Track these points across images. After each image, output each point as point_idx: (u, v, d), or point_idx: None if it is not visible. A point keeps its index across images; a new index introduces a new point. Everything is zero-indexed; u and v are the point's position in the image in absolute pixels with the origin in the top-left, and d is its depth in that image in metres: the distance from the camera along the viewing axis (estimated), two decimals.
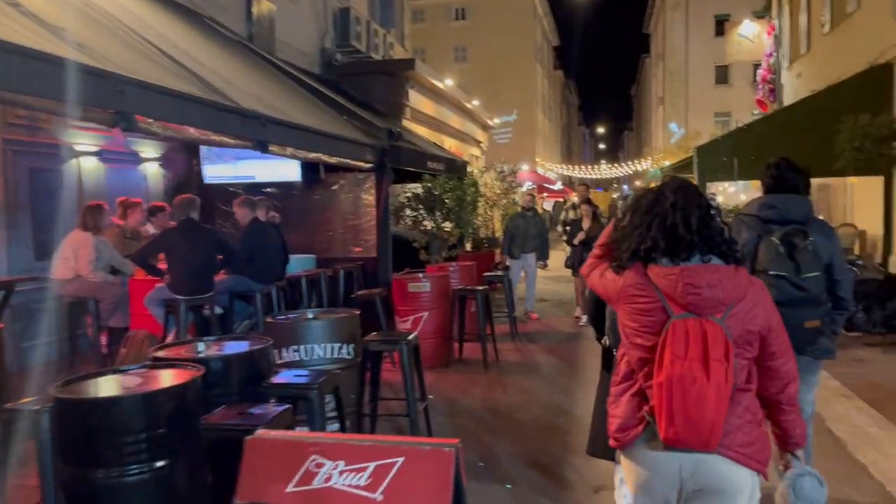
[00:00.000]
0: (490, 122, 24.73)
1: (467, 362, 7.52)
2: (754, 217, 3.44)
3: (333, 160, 7.89)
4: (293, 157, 7.48)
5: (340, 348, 4.50)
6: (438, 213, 9.64)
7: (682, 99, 48.47)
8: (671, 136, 41.89)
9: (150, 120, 4.61)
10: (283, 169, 9.36)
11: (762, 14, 20.52)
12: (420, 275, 7.41)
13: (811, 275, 3.13)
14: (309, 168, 9.81)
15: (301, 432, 2.68)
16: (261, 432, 2.13)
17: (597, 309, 3.15)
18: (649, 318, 2.14)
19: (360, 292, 7.53)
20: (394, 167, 9.31)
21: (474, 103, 20.67)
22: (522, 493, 4.24)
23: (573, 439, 5.13)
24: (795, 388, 2.26)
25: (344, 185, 10.07)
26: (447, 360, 7.26)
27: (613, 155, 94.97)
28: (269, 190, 10.19)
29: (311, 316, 4.69)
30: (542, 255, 10.51)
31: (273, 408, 3.12)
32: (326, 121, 8.55)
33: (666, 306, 2.11)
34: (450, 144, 19.89)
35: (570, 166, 57.43)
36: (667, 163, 25.53)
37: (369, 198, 9.76)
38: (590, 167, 56.59)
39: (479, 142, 24.02)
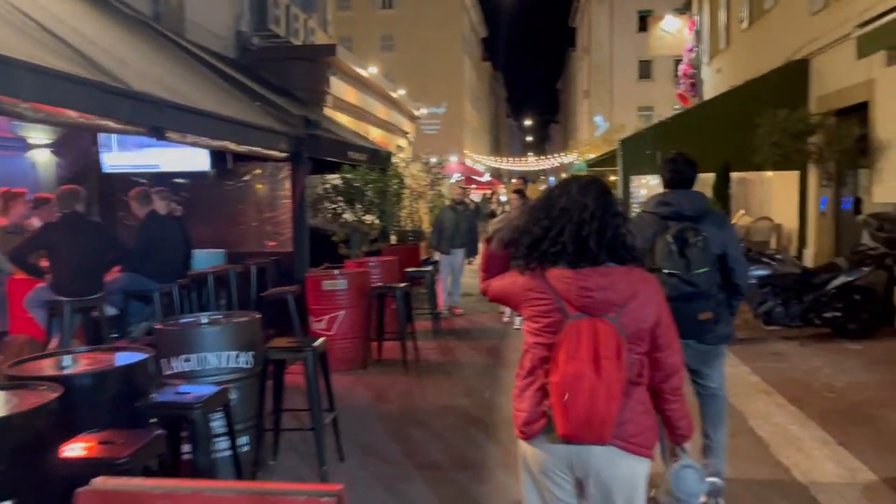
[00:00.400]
0: (417, 113, 24.35)
1: (387, 363, 7.17)
2: (653, 214, 3.57)
3: (243, 149, 7.38)
4: (196, 145, 6.94)
5: (237, 357, 4.07)
6: (359, 206, 9.21)
7: (606, 92, 49.33)
8: (596, 129, 42.52)
9: (17, 100, 4.07)
10: (192, 158, 8.76)
11: (684, 10, 20.85)
12: (336, 271, 6.99)
13: (700, 271, 3.29)
14: (221, 157, 9.24)
15: (149, 480, 2.27)
16: (98, 481, 1.72)
17: None
18: (548, 319, 2.23)
19: (270, 290, 7.07)
20: (311, 157, 8.85)
21: (400, 93, 20.24)
22: None
23: (493, 449, 4.86)
24: (679, 381, 2.36)
25: (258, 176, 9.53)
26: (365, 362, 6.89)
27: (541, 147, 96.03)
28: (180, 180, 9.57)
29: (204, 321, 4.23)
30: (472, 251, 10.20)
31: (144, 433, 2.70)
32: (236, 107, 8.00)
33: (562, 307, 2.20)
34: (375, 134, 19.42)
35: (498, 158, 57.71)
36: (591, 155, 25.76)
37: (285, 189, 9.25)
38: (517, 159, 57.03)
39: (406, 132, 23.61)
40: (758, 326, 8.03)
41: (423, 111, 25.94)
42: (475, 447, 4.89)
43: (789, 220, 11.93)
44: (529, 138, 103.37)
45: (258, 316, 4.32)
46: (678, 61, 23.87)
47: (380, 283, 7.64)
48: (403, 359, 6.88)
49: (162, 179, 9.28)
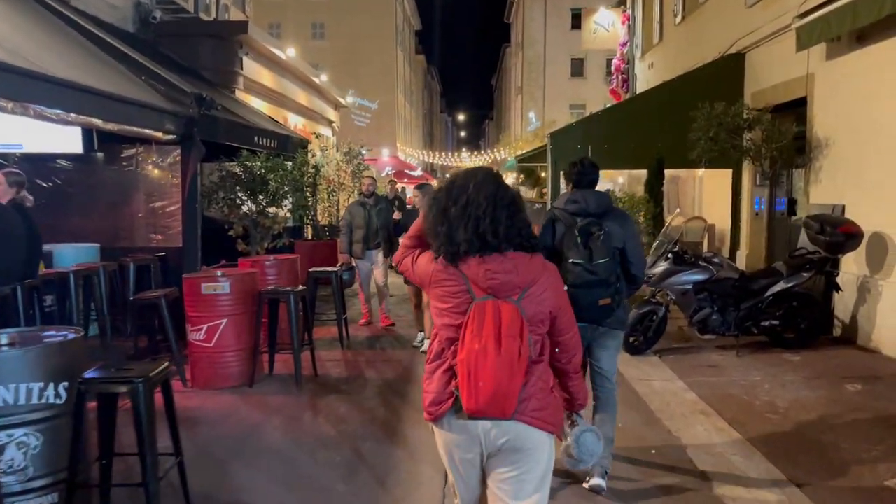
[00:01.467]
0: (343, 101, 23.25)
1: (279, 379, 6.21)
2: (563, 210, 3.88)
3: (112, 126, 6.28)
4: (50, 119, 5.82)
5: (44, 390, 3.08)
6: (262, 197, 8.19)
7: (539, 89, 49.35)
8: (530, 125, 42.25)
9: None
10: (61, 137, 7.56)
11: (618, 4, 20.45)
12: (218, 272, 5.99)
13: (601, 261, 3.64)
14: (100, 139, 8.07)
15: None
16: None
17: None
18: (456, 300, 2.33)
19: (141, 294, 6.02)
20: (206, 140, 7.80)
21: (322, 79, 19.12)
22: None
23: (390, 491, 4.00)
24: (579, 360, 2.57)
25: (144, 161, 8.39)
26: (251, 378, 5.92)
27: (475, 143, 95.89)
28: (62, 163, 8.36)
29: (3, 342, 3.22)
30: (388, 251, 8.59)
31: None
32: (110, 80, 6.89)
33: (470, 290, 2.31)
34: (296, 122, 18.27)
35: (431, 152, 56.95)
36: (520, 151, 25.23)
37: (175, 176, 8.15)
38: (451, 154, 56.38)
39: (332, 121, 22.49)
40: (692, 335, 7.46)
41: (350, 100, 24.81)
42: (368, 491, 4.03)
43: (722, 221, 11.52)
44: (464, 134, 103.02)
45: (77, 334, 3.33)
46: (610, 59, 23.63)
47: (274, 286, 6.69)
48: (296, 376, 5.94)
49: (33, 162, 8.08)
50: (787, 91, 9.08)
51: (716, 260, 7.07)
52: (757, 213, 10.52)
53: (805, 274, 7.05)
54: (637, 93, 16.71)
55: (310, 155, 12.68)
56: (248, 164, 8.13)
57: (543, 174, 13.16)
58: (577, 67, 48.70)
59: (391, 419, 5.28)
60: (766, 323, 7.15)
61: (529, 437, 2.34)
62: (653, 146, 10.39)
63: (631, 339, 7.18)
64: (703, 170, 13.03)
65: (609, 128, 11.04)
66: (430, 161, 56.77)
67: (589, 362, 4.02)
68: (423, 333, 7.46)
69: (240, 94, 13.64)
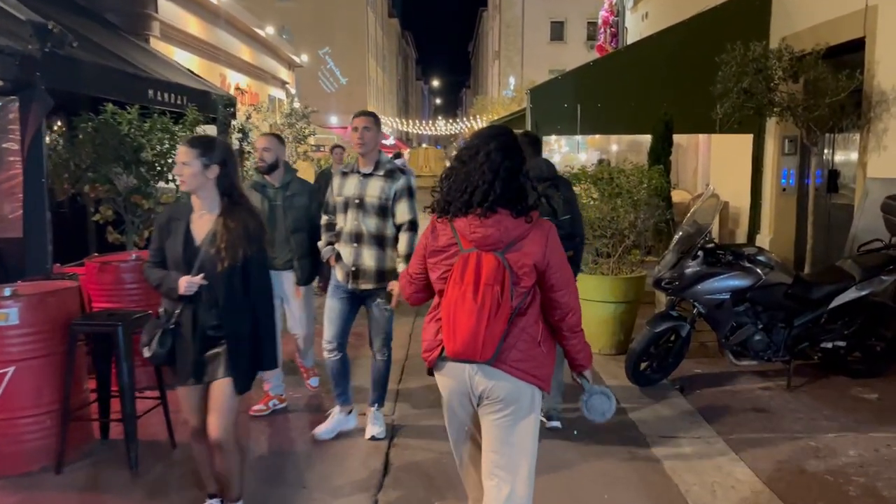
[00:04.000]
0: (298, 60, 20.80)
1: (115, 449, 4.04)
2: None
3: None
4: None
5: None
6: (143, 169, 5.98)
7: (517, 54, 47.34)
8: (506, 90, 40.14)
9: None
10: None
11: None
12: (6, 290, 3.82)
13: (565, 217, 4.16)
14: None
15: None
16: None
17: None
18: (447, 253, 2.50)
19: None
20: (56, 89, 5.61)
21: (268, 31, 16.68)
22: None
23: None
24: (576, 319, 2.59)
25: None
26: (59, 457, 3.73)
27: (452, 112, 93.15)
28: None
29: None
30: (308, 273, 4.85)
31: None
32: None
33: (458, 243, 2.48)
34: (239, 81, 15.91)
35: (406, 121, 54.51)
36: (496, 117, 23.00)
37: (11, 141, 5.91)
38: (427, 123, 53.97)
39: (285, 82, 20.10)
40: (721, 359, 5.47)
41: (305, 58, 22.35)
42: None
43: (736, 198, 9.51)
44: (440, 101, 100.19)
45: None
46: (593, 23, 21.52)
47: (138, 300, 4.55)
48: (129, 452, 3.76)
49: None
50: (834, 32, 7.00)
51: (762, 259, 5.03)
52: (784, 189, 8.52)
53: (885, 277, 5.06)
54: None
55: (242, 117, 10.45)
56: (113, 121, 5.87)
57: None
58: (558, 31, 46.86)
59: None
60: (829, 344, 5.17)
61: (510, 385, 2.48)
62: (657, 106, 8.31)
63: (642, 366, 5.18)
64: (711, 136, 11.02)
65: (602, 84, 8.91)
66: (406, 130, 54.32)
67: None
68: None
69: (157, 44, 11.29)
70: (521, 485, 2.53)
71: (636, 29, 14.79)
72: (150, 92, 7.61)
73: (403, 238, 4.08)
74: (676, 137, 8.65)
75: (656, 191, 6.14)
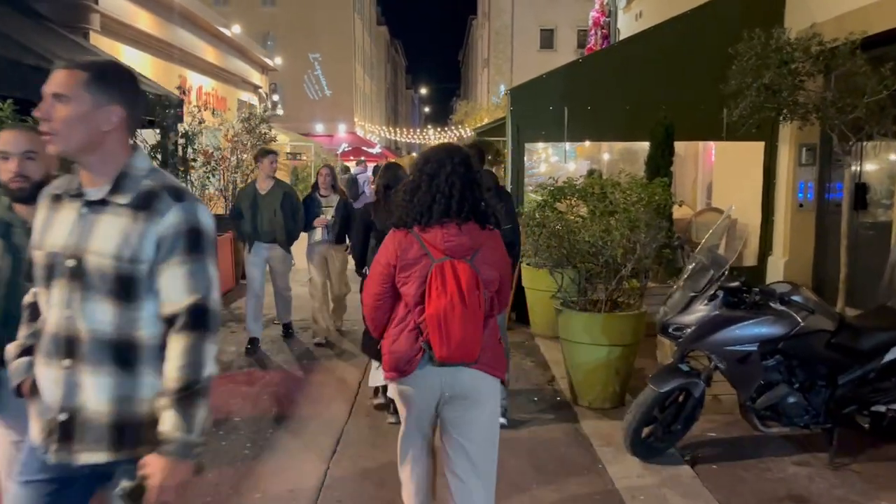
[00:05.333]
0: (272, 63, 19.64)
1: None
2: None
3: None
4: None
5: None
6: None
7: (507, 62, 46.62)
8: (494, 98, 39.21)
9: None
10: None
11: None
12: None
13: (506, 227, 3.55)
14: None
15: None
16: None
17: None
18: (419, 265, 2.62)
19: None
20: None
21: (235, 30, 15.51)
22: None
23: None
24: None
25: None
26: None
27: (443, 120, 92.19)
28: None
29: None
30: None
31: None
32: None
33: (428, 254, 2.62)
34: (203, 85, 14.74)
35: (394, 129, 53.45)
36: (479, 123, 21.91)
37: None
38: (417, 132, 52.93)
39: (258, 86, 18.93)
40: (741, 422, 4.34)
41: (279, 61, 21.20)
42: None
43: (745, 215, 8.40)
44: (430, 110, 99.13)
45: None
46: (583, 31, 20.54)
47: None
48: None
49: None
50: (867, 21, 5.91)
51: (799, 300, 3.89)
52: (801, 205, 7.43)
53: None
54: None
55: (189, 120, 9.28)
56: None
57: (506, 151, 9.97)
58: (547, 39, 46.27)
59: None
60: (883, 407, 4.03)
61: (483, 383, 2.69)
62: (655, 109, 7.22)
63: (644, 433, 4.05)
64: (713, 143, 9.94)
65: (593, 84, 7.82)
66: (394, 139, 53.18)
67: None
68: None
69: (99, 40, 10.12)
70: (489, 479, 2.78)
71: (629, 30, 13.71)
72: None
73: (178, 346, 1.84)
74: (675, 145, 7.55)
75: (659, 209, 5.01)
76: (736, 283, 3.87)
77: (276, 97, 23.00)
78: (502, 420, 4.42)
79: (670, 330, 4.00)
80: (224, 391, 5.40)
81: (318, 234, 6.74)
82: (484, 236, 2.66)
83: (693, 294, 3.97)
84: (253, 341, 6.56)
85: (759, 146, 7.71)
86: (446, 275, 2.55)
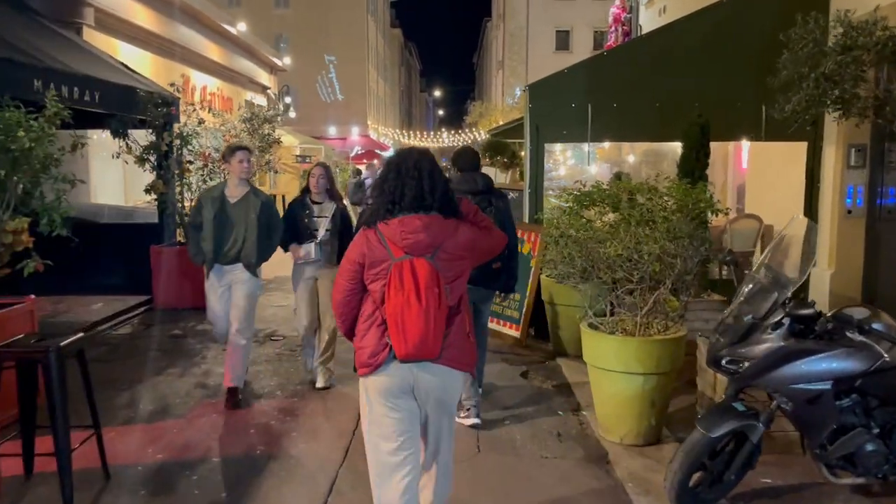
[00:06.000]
0: (281, 63, 19.11)
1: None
2: (457, 189, 3.76)
3: None
4: None
5: None
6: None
7: (521, 64, 45.99)
8: (509, 100, 38.62)
9: None
10: None
11: None
12: None
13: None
14: None
15: None
16: None
17: None
18: (383, 265, 2.65)
19: None
20: None
21: (241, 28, 14.98)
22: None
23: None
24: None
25: None
26: None
27: (457, 123, 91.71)
28: None
29: None
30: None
31: None
32: None
33: (389, 251, 2.65)
34: (207, 84, 14.23)
35: (408, 132, 52.95)
36: (493, 125, 21.26)
37: None
38: (431, 135, 52.36)
39: (266, 87, 18.41)
40: (799, 463, 3.68)
41: (291, 64, 20.68)
42: None
43: (782, 221, 7.71)
44: (444, 113, 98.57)
45: None
46: (600, 32, 19.87)
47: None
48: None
49: None
50: None
51: (881, 328, 3.23)
52: (850, 212, 6.74)
53: None
54: None
55: (184, 120, 8.74)
56: None
57: (523, 153, 9.29)
58: (563, 40, 45.56)
59: None
60: None
61: (451, 378, 2.77)
62: (687, 106, 6.57)
63: (692, 481, 3.41)
64: (745, 144, 9.26)
65: (618, 80, 7.19)
66: (409, 142, 52.64)
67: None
68: None
69: (93, 35, 9.63)
70: (449, 468, 2.96)
71: (652, 26, 13.02)
72: (37, 83, 5.91)
73: None
74: (714, 145, 6.89)
75: (700, 218, 4.38)
76: (809, 311, 3.22)
77: (288, 99, 22.51)
78: (476, 420, 4.57)
79: (724, 363, 3.36)
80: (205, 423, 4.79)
81: (309, 250, 5.28)
82: (449, 229, 2.68)
83: (752, 320, 3.32)
84: (232, 391, 5.13)
85: (801, 147, 7.04)
86: (404, 273, 2.59)
